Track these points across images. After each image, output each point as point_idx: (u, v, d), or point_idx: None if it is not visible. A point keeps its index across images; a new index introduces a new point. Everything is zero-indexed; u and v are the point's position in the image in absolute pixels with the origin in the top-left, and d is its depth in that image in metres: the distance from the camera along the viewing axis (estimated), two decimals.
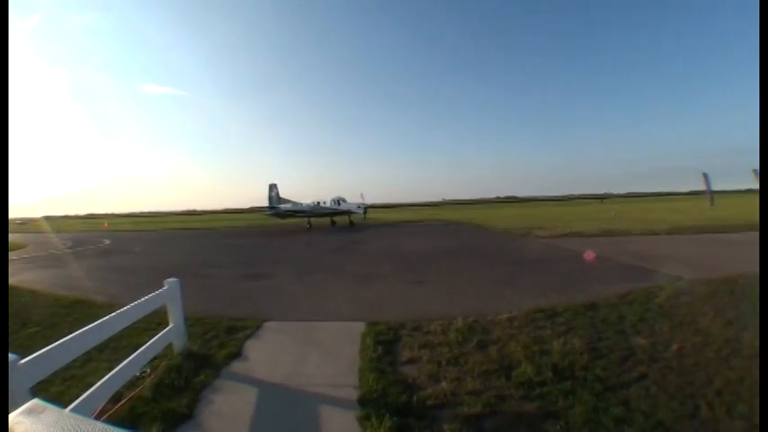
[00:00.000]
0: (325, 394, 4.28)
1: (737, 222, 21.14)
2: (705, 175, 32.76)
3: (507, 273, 11.00)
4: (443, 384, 4.35)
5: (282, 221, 39.84)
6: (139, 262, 16.46)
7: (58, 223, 68.52)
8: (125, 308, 4.34)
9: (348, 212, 36.08)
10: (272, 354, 5.52)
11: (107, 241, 28.17)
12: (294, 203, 38.40)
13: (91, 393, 3.58)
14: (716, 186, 33.94)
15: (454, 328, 6.11)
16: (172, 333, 5.35)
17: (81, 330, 3.57)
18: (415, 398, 4.07)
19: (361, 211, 35.18)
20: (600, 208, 59.24)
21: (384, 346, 5.53)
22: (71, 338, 3.40)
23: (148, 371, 4.80)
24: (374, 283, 10.19)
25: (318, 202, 37.14)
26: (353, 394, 4.23)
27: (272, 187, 39.68)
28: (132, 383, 4.45)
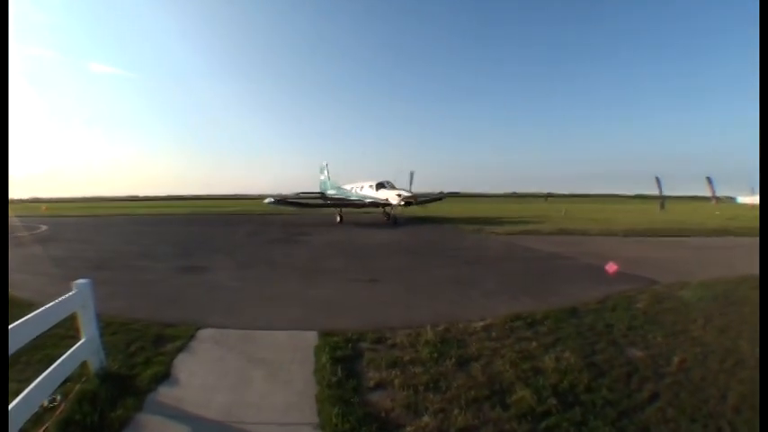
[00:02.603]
0: None
1: (692, 227, 21.70)
2: (658, 179, 33.92)
3: (471, 272, 10.34)
4: (426, 419, 3.46)
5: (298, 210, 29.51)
6: (71, 251, 14.48)
7: None
8: (17, 322, 3.12)
9: (384, 204, 25.87)
10: (208, 375, 4.44)
11: (43, 227, 24.94)
12: (339, 189, 29.91)
13: None
14: (664, 192, 35.07)
15: (424, 340, 5.27)
16: (85, 349, 4.17)
17: None
18: None
19: (398, 203, 24.84)
20: (547, 207, 57.14)
21: (344, 365, 4.56)
22: None
23: (59, 398, 3.73)
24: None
25: (353, 188, 28.45)
26: None
27: (324, 168, 31.91)
28: (39, 417, 3.40)
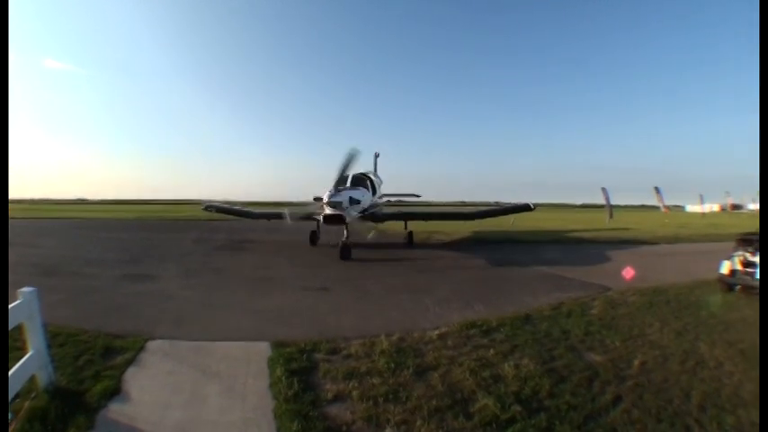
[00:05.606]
0: None
1: (640, 235, 22.61)
2: (604, 190, 35.31)
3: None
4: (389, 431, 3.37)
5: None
6: (17, 256, 13.22)
7: None
8: None
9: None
10: (160, 390, 4.19)
11: None
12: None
13: None
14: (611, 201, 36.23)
15: (379, 350, 5.15)
16: (33, 362, 3.86)
17: None
18: None
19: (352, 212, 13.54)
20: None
21: (300, 377, 4.38)
22: None
23: (11, 416, 3.49)
24: None
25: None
26: None
27: (376, 157, 23.13)
28: None
